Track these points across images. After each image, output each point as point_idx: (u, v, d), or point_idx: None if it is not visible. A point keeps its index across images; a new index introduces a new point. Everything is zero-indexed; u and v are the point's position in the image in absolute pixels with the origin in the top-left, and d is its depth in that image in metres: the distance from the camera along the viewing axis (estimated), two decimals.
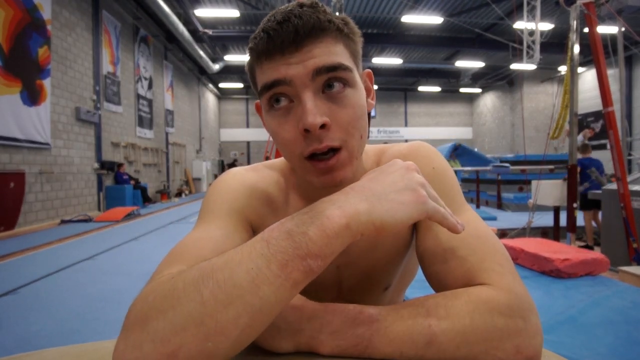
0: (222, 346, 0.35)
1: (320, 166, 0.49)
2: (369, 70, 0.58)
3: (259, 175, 0.63)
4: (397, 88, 21.63)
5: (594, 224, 5.03)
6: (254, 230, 0.59)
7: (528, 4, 8.55)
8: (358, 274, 0.62)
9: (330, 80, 0.48)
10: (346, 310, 0.43)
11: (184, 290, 0.36)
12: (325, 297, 0.62)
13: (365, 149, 0.64)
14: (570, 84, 3.99)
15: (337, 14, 0.53)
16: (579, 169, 4.19)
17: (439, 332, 0.40)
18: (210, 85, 19.30)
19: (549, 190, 4.43)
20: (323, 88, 0.48)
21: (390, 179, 0.43)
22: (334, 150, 0.49)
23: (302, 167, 0.51)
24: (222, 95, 21.69)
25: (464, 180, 10.59)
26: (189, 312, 0.35)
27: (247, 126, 21.81)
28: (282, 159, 0.67)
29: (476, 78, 18.06)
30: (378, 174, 0.44)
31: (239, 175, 0.62)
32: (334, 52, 0.48)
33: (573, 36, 3.96)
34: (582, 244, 4.86)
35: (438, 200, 0.44)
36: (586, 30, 3.80)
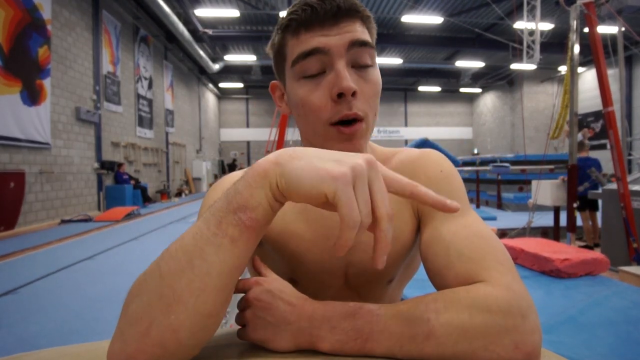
0: (184, 317, 0.36)
1: (345, 131, 0.54)
2: None
3: None
4: (397, 88, 21.63)
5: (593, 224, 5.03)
6: None
7: (528, 4, 8.55)
8: (364, 263, 0.63)
9: (360, 55, 0.54)
10: (346, 306, 0.44)
11: (150, 270, 0.39)
12: (332, 286, 0.63)
13: (377, 147, 0.68)
14: (570, 84, 3.99)
15: None
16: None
17: (438, 326, 0.41)
18: (210, 85, 19.30)
19: (549, 190, 4.43)
20: (353, 63, 0.54)
21: (332, 148, 0.41)
22: (358, 120, 0.54)
23: (326, 133, 0.55)
24: (222, 95, 21.69)
25: (464, 180, 10.60)
26: (152, 288, 0.37)
27: (247, 126, 21.81)
28: None
29: (476, 78, 18.07)
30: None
31: (236, 177, 0.63)
32: (364, 33, 0.56)
33: (573, 36, 3.96)
34: (582, 244, 4.85)
35: (380, 201, 0.36)
36: (586, 30, 3.80)
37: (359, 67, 0.55)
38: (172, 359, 0.38)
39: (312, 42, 0.53)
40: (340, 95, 0.52)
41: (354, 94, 0.52)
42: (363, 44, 0.54)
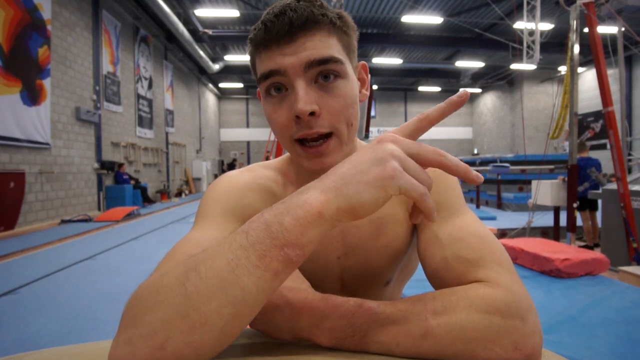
0: (208, 337, 0.36)
1: (310, 151, 0.53)
2: (364, 62, 0.62)
3: (254, 175, 0.65)
4: (397, 88, 21.63)
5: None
6: None
7: (528, 4, 8.55)
8: (359, 268, 0.63)
9: (322, 72, 0.51)
10: (346, 304, 0.44)
11: (169, 285, 0.37)
12: (329, 289, 0.63)
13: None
14: (570, 84, 3.99)
15: None
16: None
17: (435, 325, 0.41)
18: (210, 85, 19.30)
19: (549, 190, 4.43)
20: (316, 78, 0.52)
21: (359, 157, 0.40)
22: (325, 137, 0.52)
23: (294, 150, 0.55)
24: (222, 95, 21.69)
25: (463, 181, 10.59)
26: (174, 306, 0.36)
27: (247, 126, 21.80)
28: (279, 158, 0.69)
29: (476, 78, 18.06)
30: (353, 155, 0.41)
31: (233, 177, 0.64)
32: (327, 45, 0.51)
33: (573, 36, 3.96)
34: (582, 244, 4.85)
35: (421, 174, 0.39)
36: (586, 30, 3.80)
37: (325, 80, 0.52)
38: None
39: (270, 64, 0.51)
40: (298, 117, 0.50)
41: (312, 114, 0.50)
42: (322, 62, 0.50)
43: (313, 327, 0.44)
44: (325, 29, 0.52)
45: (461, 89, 0.42)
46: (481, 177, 0.40)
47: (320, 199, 0.38)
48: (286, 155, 0.69)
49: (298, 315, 0.44)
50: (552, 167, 5.47)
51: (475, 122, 22.70)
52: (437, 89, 21.40)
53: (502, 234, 4.99)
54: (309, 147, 0.53)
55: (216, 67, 14.93)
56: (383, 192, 0.37)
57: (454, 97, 0.43)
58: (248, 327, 0.46)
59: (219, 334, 0.36)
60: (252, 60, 0.56)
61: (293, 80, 0.51)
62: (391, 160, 0.38)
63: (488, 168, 7.68)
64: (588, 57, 11.80)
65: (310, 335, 0.44)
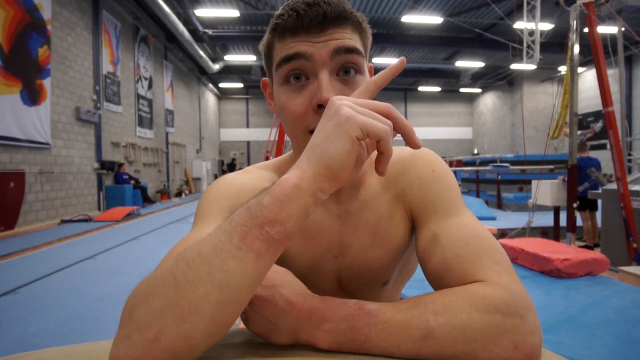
0: (199, 326, 0.36)
1: None
2: (371, 64, 0.62)
3: (250, 176, 0.65)
4: (397, 88, 21.63)
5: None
6: None
7: (528, 4, 8.54)
8: (356, 268, 0.63)
9: (346, 63, 0.52)
10: (346, 306, 0.44)
11: (161, 276, 0.38)
12: (326, 290, 0.63)
13: None
14: (570, 84, 3.99)
15: None
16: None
17: (436, 326, 0.41)
18: (210, 85, 19.30)
19: (549, 190, 4.43)
20: (337, 71, 0.53)
21: (319, 125, 0.42)
22: None
23: (305, 140, 0.53)
24: (222, 95, 21.68)
25: (463, 180, 10.60)
26: (165, 295, 0.37)
27: (247, 126, 21.80)
28: (278, 158, 0.69)
29: (476, 78, 18.06)
30: (318, 126, 0.42)
31: (229, 179, 0.64)
32: (353, 39, 0.53)
33: (573, 36, 3.96)
34: (582, 244, 4.85)
35: (377, 116, 0.40)
36: (586, 30, 3.80)
37: (346, 75, 0.53)
38: None
39: (296, 48, 0.52)
40: (321, 106, 0.50)
41: None
42: (349, 50, 0.52)
43: (313, 329, 0.44)
44: (353, 26, 0.54)
45: (401, 57, 0.46)
46: (420, 143, 0.44)
47: (296, 172, 0.39)
48: (286, 154, 0.68)
49: (298, 317, 0.44)
50: (552, 167, 5.47)
51: (475, 122, 22.70)
52: (437, 89, 21.40)
53: (502, 234, 4.99)
54: None
55: (216, 67, 14.93)
56: (348, 137, 0.38)
57: (395, 62, 0.45)
58: (250, 330, 0.46)
59: (209, 322, 0.36)
60: (270, 45, 0.56)
61: (318, 68, 0.51)
62: (343, 107, 0.40)
63: (488, 168, 7.69)
64: (588, 57, 11.80)
65: (310, 338, 0.44)
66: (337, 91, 0.51)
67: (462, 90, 21.27)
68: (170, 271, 0.38)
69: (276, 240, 0.38)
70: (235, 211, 0.40)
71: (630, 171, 7.48)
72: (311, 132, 0.52)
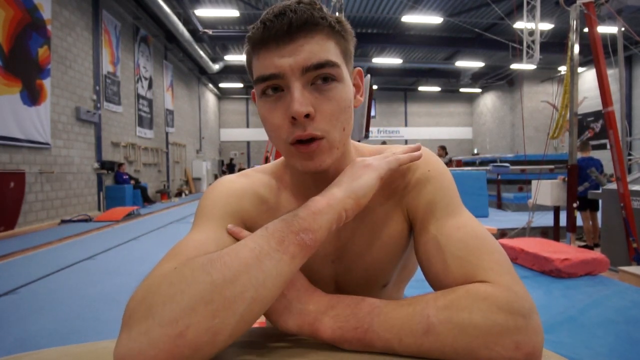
0: (228, 322, 0.38)
1: (302, 150, 0.52)
2: (359, 68, 0.61)
3: (250, 180, 0.65)
4: (397, 88, 21.62)
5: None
6: (248, 231, 0.60)
7: (528, 3, 8.54)
8: (354, 271, 0.63)
9: (319, 76, 0.51)
10: (350, 298, 0.47)
11: (192, 274, 0.40)
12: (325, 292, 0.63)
13: (361, 146, 0.66)
14: (570, 84, 3.99)
15: (337, 14, 0.54)
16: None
17: (437, 322, 0.42)
18: (210, 85, 19.30)
19: (549, 190, 4.43)
20: (313, 80, 0.51)
21: (352, 169, 0.54)
22: (316, 139, 0.52)
23: (287, 152, 0.54)
24: (222, 95, 21.68)
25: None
26: (199, 292, 0.38)
27: (247, 126, 21.81)
28: (276, 162, 0.69)
29: (476, 78, 18.05)
30: (346, 170, 0.55)
31: (230, 182, 0.64)
32: (325, 49, 0.51)
33: (573, 36, 3.96)
34: (582, 244, 4.85)
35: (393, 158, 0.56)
36: (586, 30, 3.79)
37: (323, 83, 0.51)
38: (199, 359, 0.38)
39: (268, 67, 0.50)
40: (294, 118, 0.50)
41: (307, 116, 0.49)
42: (319, 66, 0.50)
43: (319, 313, 0.46)
44: (324, 32, 0.51)
45: (415, 145, 0.60)
46: (418, 155, 0.58)
47: (327, 195, 0.50)
48: (280, 159, 0.68)
49: (308, 297, 0.48)
50: (552, 167, 5.47)
51: (475, 122, 22.70)
52: (437, 89, 21.40)
53: (502, 234, 4.98)
54: (302, 145, 0.52)
55: (216, 67, 14.93)
56: (377, 172, 0.53)
57: (414, 153, 0.59)
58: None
59: (239, 319, 0.39)
60: (249, 59, 0.55)
61: (289, 82, 0.50)
62: (371, 162, 0.55)
63: (488, 168, 7.68)
64: (588, 57, 11.80)
65: (315, 323, 0.45)
66: (312, 101, 0.50)
67: (462, 90, 21.26)
68: (204, 270, 0.40)
69: (308, 245, 0.45)
70: (269, 224, 0.46)
71: (630, 171, 7.47)
72: (290, 143, 0.52)
